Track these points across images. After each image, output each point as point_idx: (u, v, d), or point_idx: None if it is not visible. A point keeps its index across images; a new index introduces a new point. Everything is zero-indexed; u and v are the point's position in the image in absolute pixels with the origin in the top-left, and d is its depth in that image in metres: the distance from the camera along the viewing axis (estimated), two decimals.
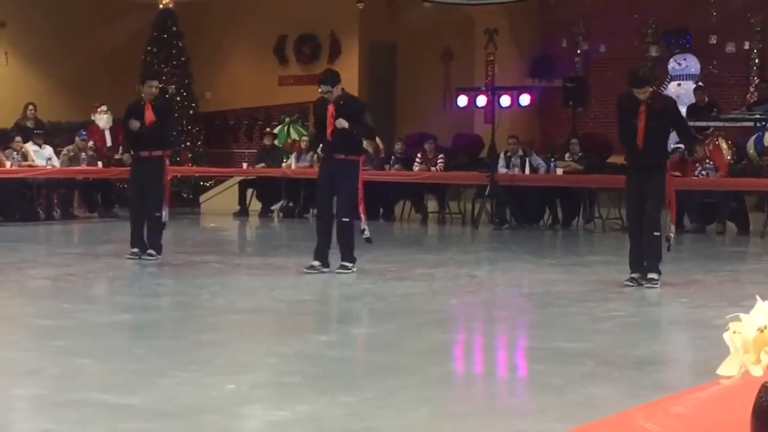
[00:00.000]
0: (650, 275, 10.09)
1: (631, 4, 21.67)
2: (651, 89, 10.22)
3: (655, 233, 10.05)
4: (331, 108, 10.90)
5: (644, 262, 10.16)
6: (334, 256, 11.02)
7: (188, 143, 22.54)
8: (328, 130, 10.93)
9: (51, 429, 4.92)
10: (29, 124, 19.91)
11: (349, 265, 11.04)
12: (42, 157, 18.64)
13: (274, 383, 5.94)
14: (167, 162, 12.53)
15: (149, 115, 12.06)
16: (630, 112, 10.09)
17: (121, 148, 14.22)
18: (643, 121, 9.94)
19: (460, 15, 21.95)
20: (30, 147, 18.56)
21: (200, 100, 23.29)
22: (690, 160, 10.20)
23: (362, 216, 11.26)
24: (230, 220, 19.89)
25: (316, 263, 10.98)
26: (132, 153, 12.35)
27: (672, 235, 10.44)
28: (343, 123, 10.78)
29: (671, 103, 10.53)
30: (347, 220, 10.95)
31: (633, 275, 10.17)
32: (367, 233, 11.30)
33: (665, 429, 2.16)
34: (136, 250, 12.15)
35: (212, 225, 19.80)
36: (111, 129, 20.46)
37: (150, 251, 12.10)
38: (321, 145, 11.70)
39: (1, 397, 5.58)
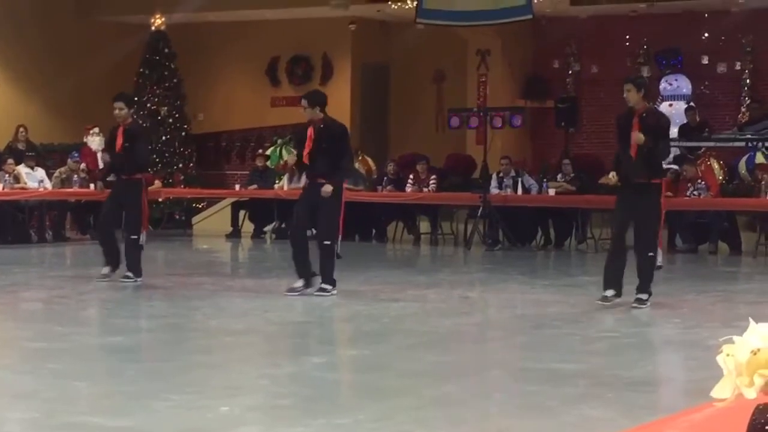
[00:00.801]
0: (639, 295, 10.03)
1: (622, 25, 21.75)
2: (641, 95, 10.03)
3: (649, 254, 9.97)
4: (310, 131, 10.76)
5: (623, 279, 10.06)
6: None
7: (180, 165, 22.53)
8: (304, 152, 10.80)
9: None
10: (20, 146, 19.89)
11: (329, 287, 10.82)
12: (34, 179, 18.62)
13: (268, 405, 5.94)
14: (147, 184, 12.46)
15: (118, 141, 12.04)
16: (625, 128, 10.09)
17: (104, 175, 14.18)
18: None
19: (453, 36, 21.99)
20: (22, 169, 18.55)
21: (192, 122, 23.30)
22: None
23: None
24: (223, 242, 19.87)
25: (298, 284, 10.85)
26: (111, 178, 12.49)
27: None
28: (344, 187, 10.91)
29: (663, 121, 10.41)
30: (328, 243, 10.74)
31: (606, 293, 10.06)
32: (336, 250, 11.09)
33: None
34: (106, 270, 12.03)
35: (205, 247, 19.78)
36: (103, 151, 20.43)
37: (127, 273, 11.92)
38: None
39: None
